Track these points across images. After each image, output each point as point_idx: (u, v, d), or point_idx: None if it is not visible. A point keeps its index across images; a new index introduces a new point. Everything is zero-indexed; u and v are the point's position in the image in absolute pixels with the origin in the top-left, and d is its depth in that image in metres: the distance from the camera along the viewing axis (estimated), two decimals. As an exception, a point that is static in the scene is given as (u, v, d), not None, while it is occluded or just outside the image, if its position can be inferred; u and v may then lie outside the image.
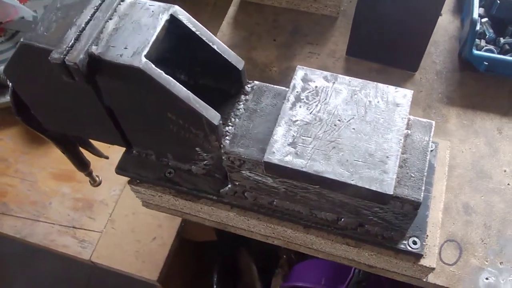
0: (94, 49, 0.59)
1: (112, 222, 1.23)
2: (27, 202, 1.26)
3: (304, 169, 0.61)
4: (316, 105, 0.66)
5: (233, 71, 0.69)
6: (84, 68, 0.58)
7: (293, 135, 0.64)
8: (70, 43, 0.59)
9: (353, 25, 0.91)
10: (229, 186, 0.74)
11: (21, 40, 0.62)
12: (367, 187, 0.59)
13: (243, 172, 0.68)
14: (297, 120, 0.65)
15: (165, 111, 0.64)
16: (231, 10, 1.05)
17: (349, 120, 0.64)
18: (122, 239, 1.21)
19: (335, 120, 0.64)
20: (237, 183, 0.72)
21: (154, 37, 0.61)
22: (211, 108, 0.63)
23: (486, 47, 0.91)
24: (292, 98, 0.67)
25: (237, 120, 0.69)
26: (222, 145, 0.67)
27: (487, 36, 0.92)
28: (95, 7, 0.62)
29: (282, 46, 0.99)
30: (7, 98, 1.33)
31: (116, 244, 1.21)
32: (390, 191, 0.59)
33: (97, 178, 1.08)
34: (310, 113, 0.65)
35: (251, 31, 1.02)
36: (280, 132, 0.64)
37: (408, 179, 0.63)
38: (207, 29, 0.65)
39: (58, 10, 0.64)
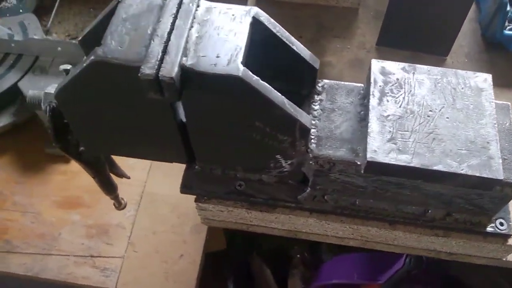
0: (184, 60, 0.54)
1: (133, 245, 1.15)
2: (34, 236, 1.16)
3: (411, 165, 0.59)
4: (403, 98, 0.64)
5: (309, 70, 0.66)
6: (178, 82, 0.53)
7: (390, 131, 0.62)
8: (159, 57, 0.53)
9: (387, 15, 0.90)
10: (308, 191, 0.71)
11: (92, 58, 0.55)
12: (477, 174, 0.59)
13: (332, 174, 0.66)
14: (389, 115, 0.63)
15: (254, 120, 0.60)
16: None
17: (440, 110, 0.63)
18: (147, 262, 1.14)
19: (426, 111, 0.63)
20: (318, 187, 0.69)
21: (245, 42, 0.56)
22: (303, 111, 0.60)
23: (510, 27, 0.94)
24: (377, 93, 0.64)
25: (317, 121, 0.67)
26: (309, 149, 0.64)
27: (508, 15, 0.95)
28: (173, 15, 0.56)
29: (310, 42, 0.97)
30: (-6, 124, 1.22)
31: (141, 268, 1.13)
32: (500, 176, 0.59)
33: (122, 201, 1.01)
34: (400, 107, 0.63)
35: (273, 29, 0.98)
36: (375, 129, 0.62)
37: (506, 163, 0.63)
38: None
39: (125, 21, 0.58)
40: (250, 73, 0.55)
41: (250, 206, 0.73)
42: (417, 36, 0.92)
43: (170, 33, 0.55)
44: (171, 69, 0.52)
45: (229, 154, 0.69)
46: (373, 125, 0.62)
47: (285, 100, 0.58)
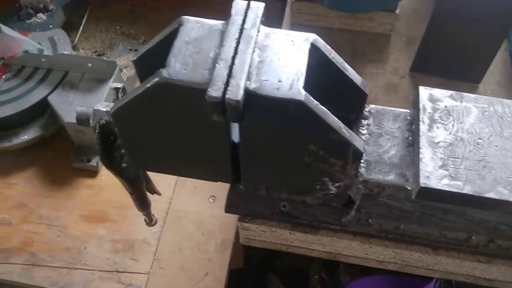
0: (248, 84, 0.55)
1: (159, 262, 1.15)
2: (59, 250, 1.16)
3: (463, 191, 0.60)
4: (453, 125, 0.65)
5: (359, 96, 0.67)
6: (242, 105, 0.54)
7: (441, 157, 0.63)
8: (225, 80, 0.54)
9: (422, 42, 0.93)
10: (352, 214, 0.71)
11: (157, 79, 0.56)
12: (528, 203, 0.60)
13: (380, 199, 0.67)
14: (439, 142, 0.64)
15: (309, 143, 0.61)
16: (283, 33, 1.03)
17: (489, 138, 0.64)
18: (173, 279, 1.14)
19: (476, 139, 0.64)
20: (363, 211, 0.70)
21: (305, 67, 0.58)
22: (357, 136, 0.61)
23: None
24: (427, 120, 0.66)
25: (365, 146, 0.68)
26: (359, 173, 0.65)
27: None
28: (236, 40, 0.58)
29: (344, 66, 0.99)
30: (20, 138, 1.23)
31: (167, 285, 1.13)
32: (550, 204, 0.60)
33: (153, 217, 1.02)
34: (450, 134, 0.65)
35: (308, 54, 1.00)
36: (427, 155, 0.63)
37: (554, 191, 0.63)
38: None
39: (187, 44, 0.59)
40: (311, 97, 0.56)
41: (293, 227, 0.74)
42: (451, 64, 0.94)
43: (234, 57, 0.56)
44: (237, 93, 0.53)
45: (276, 175, 0.70)
46: (425, 151, 0.63)
47: (341, 125, 0.59)
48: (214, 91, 0.53)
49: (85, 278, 1.13)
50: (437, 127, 0.65)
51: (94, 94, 1.22)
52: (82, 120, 0.76)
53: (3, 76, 1.25)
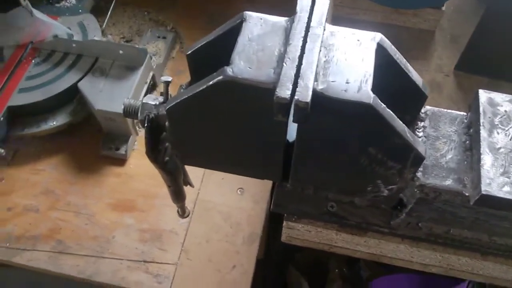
0: (315, 85, 0.54)
1: (186, 253, 1.15)
2: (87, 238, 1.15)
3: (526, 200, 0.59)
4: (513, 131, 0.64)
5: (419, 97, 0.66)
6: (310, 107, 0.53)
7: (502, 164, 0.62)
8: (293, 80, 0.53)
9: (471, 41, 0.91)
10: (402, 217, 0.70)
11: (221, 77, 0.55)
12: None
13: (436, 204, 0.65)
14: (500, 148, 0.63)
15: (369, 145, 0.60)
16: (325, 26, 1.01)
17: (550, 145, 0.63)
18: (201, 270, 1.13)
19: (537, 146, 0.63)
20: (414, 214, 0.69)
21: (372, 68, 0.56)
22: (419, 140, 0.60)
23: None
24: (487, 124, 0.64)
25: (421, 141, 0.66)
26: (415, 177, 0.64)
27: None
28: (302, 38, 0.56)
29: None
30: (49, 124, 1.22)
31: (195, 276, 1.13)
32: None
33: (186, 209, 1.01)
34: (511, 140, 0.63)
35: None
36: (488, 162, 0.62)
37: None
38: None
39: (250, 41, 0.58)
40: (379, 100, 0.55)
41: (340, 228, 0.73)
42: (498, 64, 0.93)
43: (301, 56, 0.55)
44: (306, 94, 0.52)
45: (327, 175, 0.69)
46: (486, 157, 0.62)
47: (406, 129, 0.58)
48: (283, 92, 0.52)
49: (113, 267, 1.12)
50: (498, 133, 0.64)
51: (125, 82, 1.21)
52: (130, 113, 0.75)
53: (33, 61, 1.23)
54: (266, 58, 0.56)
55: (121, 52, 1.21)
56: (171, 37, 1.38)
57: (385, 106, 0.55)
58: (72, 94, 1.23)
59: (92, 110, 1.20)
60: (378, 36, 0.59)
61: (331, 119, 0.56)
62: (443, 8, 0.96)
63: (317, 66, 0.55)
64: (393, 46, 0.61)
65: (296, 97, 0.52)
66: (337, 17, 1.02)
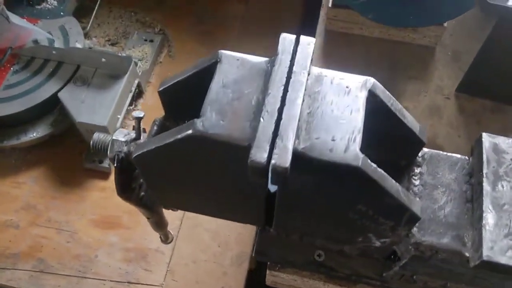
0: (296, 143, 0.48)
1: (172, 274, 1.10)
2: (69, 257, 1.10)
3: (531, 267, 0.53)
4: (520, 184, 0.57)
5: (415, 144, 0.59)
6: (289, 171, 0.47)
7: (507, 224, 0.55)
8: (270, 139, 0.46)
9: (476, 59, 0.83)
10: (396, 269, 0.64)
11: (191, 132, 0.49)
12: None
13: (432, 261, 0.59)
14: (504, 204, 0.56)
15: (358, 204, 0.54)
16: (317, 41, 0.93)
17: (561, 201, 0.57)
18: (187, 293, 1.09)
19: (546, 202, 0.57)
20: (408, 267, 0.63)
21: (362, 122, 0.50)
22: (416, 199, 0.54)
23: None
24: (491, 175, 0.58)
25: (418, 199, 0.60)
26: (410, 234, 0.58)
27: None
28: (283, 85, 0.49)
29: (383, 83, 0.89)
30: (29, 136, 1.16)
31: (181, 299, 1.08)
32: None
33: (170, 235, 0.96)
34: (517, 194, 0.57)
35: (344, 66, 0.90)
36: (491, 221, 0.55)
37: None
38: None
39: (225, 88, 0.51)
40: (369, 161, 0.48)
41: (328, 279, 0.67)
42: (503, 87, 0.85)
43: (281, 109, 0.48)
44: (285, 158, 0.46)
45: (313, 225, 0.63)
46: (488, 215, 0.55)
47: (399, 188, 0.51)
48: (259, 155, 0.46)
49: (96, 288, 1.08)
50: (502, 186, 0.57)
51: (108, 91, 1.14)
52: (99, 149, 0.69)
53: (11, 68, 1.16)
54: (242, 109, 0.49)
55: (103, 60, 1.14)
56: (159, 40, 1.31)
57: (375, 167, 0.49)
58: (53, 104, 1.16)
59: (74, 122, 1.13)
60: (370, 82, 0.52)
61: (315, 179, 0.50)
62: (445, 24, 0.88)
63: (299, 120, 0.49)
64: (386, 92, 0.54)
65: (273, 160, 0.45)
66: (330, 31, 0.94)
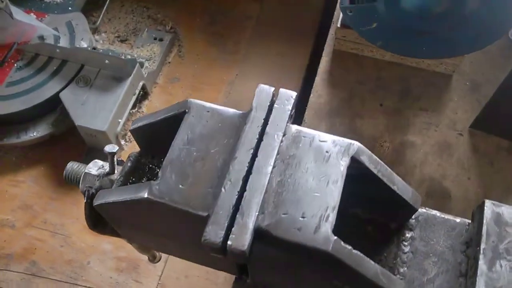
0: (260, 219, 0.42)
1: (163, 287, 1.07)
2: (61, 261, 1.09)
3: None
4: (522, 265, 0.51)
5: (407, 210, 0.53)
6: (249, 251, 0.42)
7: (501, 312, 0.49)
8: (229, 214, 0.41)
9: (495, 95, 0.75)
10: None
11: (146, 196, 0.44)
12: None
13: (415, 338, 0.54)
14: (501, 287, 0.50)
15: (332, 279, 0.48)
16: (324, 61, 0.86)
17: None
18: (177, 308, 1.06)
19: (550, 289, 0.50)
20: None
21: (338, 198, 0.44)
22: (398, 280, 0.48)
23: None
24: (488, 252, 0.51)
25: (405, 269, 0.54)
26: (393, 308, 0.52)
27: None
28: (252, 150, 0.44)
29: (391, 113, 0.82)
30: (29, 135, 1.14)
31: (170, 314, 1.06)
32: None
33: (157, 254, 0.92)
34: (517, 278, 0.50)
35: (351, 92, 0.84)
36: (483, 307, 0.49)
37: None
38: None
39: (190, 145, 0.46)
40: (342, 243, 0.43)
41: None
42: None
43: (246, 178, 0.43)
44: (243, 240, 0.40)
45: (291, 285, 0.57)
46: (481, 300, 0.49)
47: (378, 270, 0.46)
48: (213, 233, 0.41)
49: (86, 296, 1.06)
50: (501, 265, 0.51)
51: (110, 94, 1.10)
52: (70, 180, 0.65)
53: (15, 65, 1.13)
54: (206, 172, 0.44)
55: (106, 61, 1.10)
56: (169, 39, 1.26)
57: (350, 249, 0.43)
58: (55, 103, 1.14)
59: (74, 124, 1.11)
60: (354, 148, 0.46)
61: (282, 256, 0.45)
62: (465, 51, 0.79)
63: (266, 192, 0.43)
64: (374, 157, 0.48)
65: (229, 242, 0.40)
66: (338, 52, 0.87)
